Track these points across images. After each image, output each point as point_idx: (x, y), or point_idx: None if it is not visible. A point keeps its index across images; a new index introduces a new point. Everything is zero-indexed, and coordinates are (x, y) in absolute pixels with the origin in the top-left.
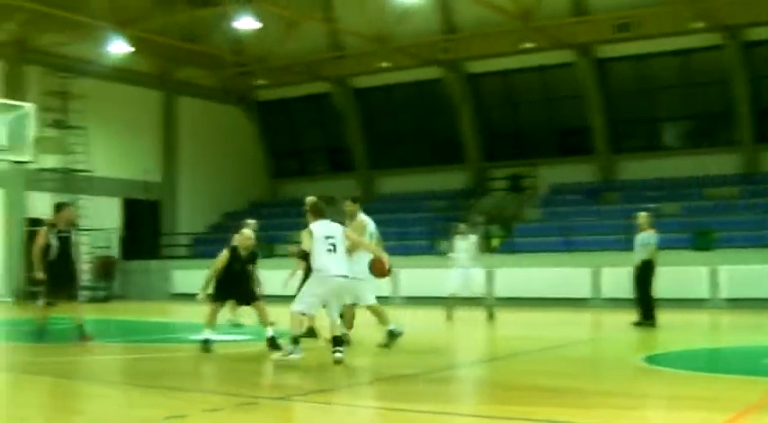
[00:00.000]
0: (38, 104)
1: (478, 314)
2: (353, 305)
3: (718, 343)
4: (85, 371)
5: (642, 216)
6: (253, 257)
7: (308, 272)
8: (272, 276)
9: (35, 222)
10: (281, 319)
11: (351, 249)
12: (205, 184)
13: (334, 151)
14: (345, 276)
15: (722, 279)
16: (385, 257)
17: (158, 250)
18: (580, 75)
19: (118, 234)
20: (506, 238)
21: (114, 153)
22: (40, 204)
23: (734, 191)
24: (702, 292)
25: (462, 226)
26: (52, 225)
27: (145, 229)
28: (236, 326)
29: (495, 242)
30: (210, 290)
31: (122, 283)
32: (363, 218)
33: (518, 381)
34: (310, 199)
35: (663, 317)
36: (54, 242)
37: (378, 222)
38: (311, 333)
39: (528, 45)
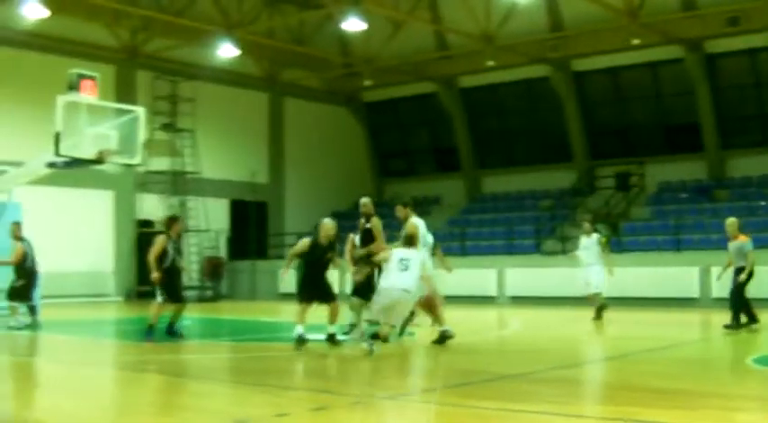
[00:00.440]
0: (148, 108)
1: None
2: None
3: None
4: (194, 369)
5: (730, 223)
6: (332, 246)
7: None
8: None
9: (144, 224)
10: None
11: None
12: (311, 184)
13: (441, 151)
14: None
15: None
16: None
17: (266, 250)
18: (690, 70)
19: (226, 235)
20: (613, 236)
21: (222, 155)
22: (150, 206)
23: None
24: None
25: (587, 225)
26: (168, 235)
27: (252, 230)
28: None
29: (603, 241)
30: (292, 266)
31: (230, 283)
32: (415, 221)
33: (626, 381)
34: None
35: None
36: (170, 251)
37: (483, 222)
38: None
39: (636, 41)
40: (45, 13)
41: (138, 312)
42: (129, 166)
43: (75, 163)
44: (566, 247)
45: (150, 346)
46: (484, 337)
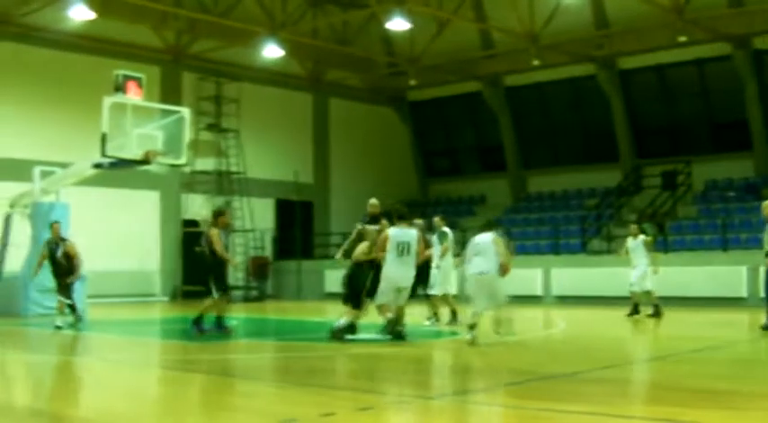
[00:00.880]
0: (192, 109)
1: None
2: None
3: None
4: (240, 368)
5: (766, 206)
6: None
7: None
8: None
9: (190, 224)
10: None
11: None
12: (356, 184)
13: (486, 150)
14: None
15: None
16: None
17: (311, 250)
18: (737, 67)
19: (271, 234)
20: (660, 236)
21: (267, 155)
22: (195, 206)
23: None
24: None
25: (634, 226)
26: (216, 227)
27: (298, 230)
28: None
29: (648, 241)
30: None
31: (276, 283)
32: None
33: (673, 381)
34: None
35: None
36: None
37: (529, 221)
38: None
39: (682, 38)
40: (91, 15)
41: (183, 312)
42: (175, 166)
43: (122, 163)
44: (611, 246)
45: (196, 346)
46: (531, 337)
